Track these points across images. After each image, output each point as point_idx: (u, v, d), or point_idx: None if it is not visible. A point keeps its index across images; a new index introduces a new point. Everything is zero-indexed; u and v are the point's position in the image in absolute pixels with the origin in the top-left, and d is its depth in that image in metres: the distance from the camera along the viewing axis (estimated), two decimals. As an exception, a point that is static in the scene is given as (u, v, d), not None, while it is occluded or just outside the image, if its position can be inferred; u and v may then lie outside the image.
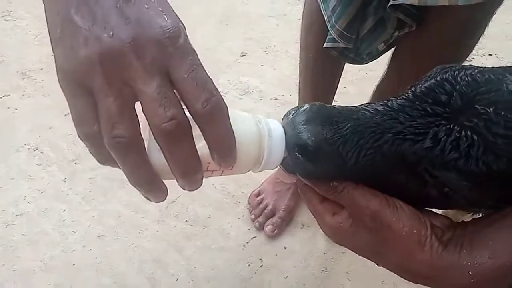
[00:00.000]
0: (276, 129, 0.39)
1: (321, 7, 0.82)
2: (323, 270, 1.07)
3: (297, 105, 1.18)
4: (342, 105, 0.40)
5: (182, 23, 0.34)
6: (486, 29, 0.77)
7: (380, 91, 1.01)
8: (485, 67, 0.40)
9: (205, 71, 0.33)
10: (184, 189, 0.37)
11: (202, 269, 1.09)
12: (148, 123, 0.32)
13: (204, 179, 0.38)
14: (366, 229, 0.38)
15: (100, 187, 1.29)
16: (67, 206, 1.26)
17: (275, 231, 1.13)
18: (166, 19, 0.32)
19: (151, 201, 0.37)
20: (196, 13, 2.01)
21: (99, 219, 1.22)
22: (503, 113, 0.35)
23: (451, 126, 0.36)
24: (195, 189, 0.37)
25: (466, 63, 1.70)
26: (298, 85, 1.12)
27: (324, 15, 0.82)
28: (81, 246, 1.16)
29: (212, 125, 0.33)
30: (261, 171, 0.41)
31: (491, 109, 0.35)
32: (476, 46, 1.92)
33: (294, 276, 1.06)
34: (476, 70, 0.39)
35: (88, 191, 1.29)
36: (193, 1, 2.08)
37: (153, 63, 0.31)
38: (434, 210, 0.43)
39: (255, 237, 1.16)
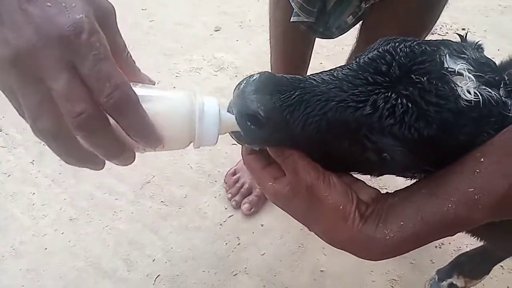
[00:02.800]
0: (210, 105, 0.40)
1: None
2: (299, 246, 1.08)
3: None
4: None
5: (88, 17, 0.34)
6: (448, 7, 0.79)
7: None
8: (423, 40, 0.42)
9: (112, 63, 0.34)
10: (117, 165, 0.39)
11: (179, 249, 1.08)
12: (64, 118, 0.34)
13: (153, 151, 0.40)
14: (301, 198, 0.42)
15: (71, 169, 1.25)
16: (36, 189, 1.21)
17: (252, 209, 1.13)
18: (68, 15, 0.33)
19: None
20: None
21: (71, 201, 1.19)
22: (435, 82, 0.38)
23: (389, 94, 0.38)
24: (129, 164, 0.40)
25: (439, 38, 1.71)
26: (270, 61, 1.10)
27: None
28: (52, 229, 1.13)
29: (120, 115, 0.35)
30: (199, 147, 0.42)
31: (425, 78, 0.38)
32: (450, 21, 1.92)
33: (271, 253, 1.07)
34: (414, 42, 0.41)
35: (57, 173, 1.25)
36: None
37: (58, 60, 0.32)
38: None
39: (232, 215, 1.15)
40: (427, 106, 0.38)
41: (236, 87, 0.41)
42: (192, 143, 0.42)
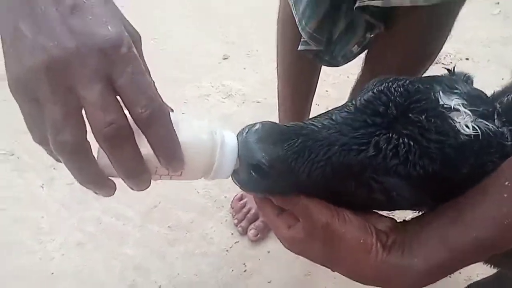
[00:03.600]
0: (230, 140, 0.41)
1: (292, 11, 0.84)
2: (306, 274, 1.07)
3: (277, 108, 1.19)
4: (311, 116, 0.42)
5: (127, 33, 0.35)
6: (452, 30, 0.81)
7: (356, 93, 1.03)
8: (415, 78, 0.43)
9: (148, 77, 0.35)
10: (132, 189, 0.39)
11: (185, 275, 1.08)
12: (91, 128, 0.33)
13: (160, 181, 0.40)
14: (319, 240, 0.41)
15: (79, 193, 1.26)
16: (45, 213, 1.22)
17: (258, 235, 1.13)
18: (109, 29, 0.33)
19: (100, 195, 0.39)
20: (174, 16, 2.00)
21: (78, 226, 1.19)
22: (433, 120, 0.39)
23: (390, 134, 0.39)
24: (143, 190, 0.39)
25: (443, 67, 1.73)
26: (277, 88, 1.13)
27: (296, 18, 0.83)
28: (60, 254, 1.13)
29: (152, 128, 0.34)
30: (213, 179, 0.42)
31: (423, 116, 0.39)
32: (454, 51, 1.96)
33: (278, 281, 1.06)
34: (407, 81, 0.42)
35: (67, 197, 1.26)
36: (167, 5, 2.06)
37: (95, 70, 0.32)
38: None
39: (238, 241, 1.15)
40: (429, 143, 0.38)
41: (238, 134, 0.42)
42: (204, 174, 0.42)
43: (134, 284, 1.07)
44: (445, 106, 0.40)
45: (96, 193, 0.39)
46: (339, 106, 0.44)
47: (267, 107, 1.55)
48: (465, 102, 0.41)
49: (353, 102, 0.42)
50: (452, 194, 0.41)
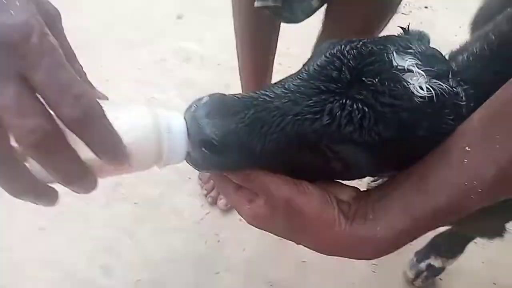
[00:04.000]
0: (176, 122, 0.38)
1: None
2: (280, 238, 1.08)
3: (238, 71, 1.13)
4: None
5: (36, 18, 0.29)
6: None
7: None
8: (369, 39, 0.41)
9: (69, 71, 0.29)
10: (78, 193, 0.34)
11: (157, 252, 1.06)
12: (13, 137, 0.28)
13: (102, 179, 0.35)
14: (280, 215, 0.40)
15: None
16: (0, 199, 1.14)
17: (229, 204, 1.12)
18: (12, 14, 0.27)
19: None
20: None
21: (38, 210, 1.13)
22: (386, 82, 0.37)
23: (344, 100, 0.37)
24: (91, 192, 0.34)
25: (405, 16, 1.70)
26: (236, 49, 1.07)
27: None
28: (20, 241, 1.07)
29: (86, 130, 0.30)
30: (166, 166, 0.39)
31: (376, 79, 0.37)
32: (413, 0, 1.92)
33: (252, 248, 1.07)
34: (360, 43, 0.40)
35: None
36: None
37: (4, 69, 0.27)
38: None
39: (209, 212, 1.14)
40: (383, 108, 0.37)
41: (186, 110, 0.39)
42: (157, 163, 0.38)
43: (106, 265, 1.04)
44: (398, 67, 0.39)
45: (35, 203, 0.34)
46: (294, 73, 0.41)
47: (228, 69, 1.48)
48: (419, 62, 0.39)
49: (306, 68, 0.40)
50: (411, 158, 0.40)
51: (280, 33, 1.02)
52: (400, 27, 0.50)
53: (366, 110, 0.37)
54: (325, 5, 0.87)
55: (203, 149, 0.37)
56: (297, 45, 1.55)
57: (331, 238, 0.40)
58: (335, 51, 0.40)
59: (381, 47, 0.40)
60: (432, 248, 0.99)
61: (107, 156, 0.32)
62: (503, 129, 0.35)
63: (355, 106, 0.37)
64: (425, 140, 0.39)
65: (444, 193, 0.36)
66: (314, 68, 0.39)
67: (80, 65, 0.38)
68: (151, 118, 0.36)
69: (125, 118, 0.35)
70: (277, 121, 0.37)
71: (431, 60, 0.41)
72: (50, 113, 0.29)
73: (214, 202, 1.14)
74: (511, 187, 0.36)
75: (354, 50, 0.39)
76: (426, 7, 1.82)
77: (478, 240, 1.03)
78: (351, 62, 0.39)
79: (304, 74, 0.39)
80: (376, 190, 0.42)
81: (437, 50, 0.44)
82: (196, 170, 0.42)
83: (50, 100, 0.28)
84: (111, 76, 1.45)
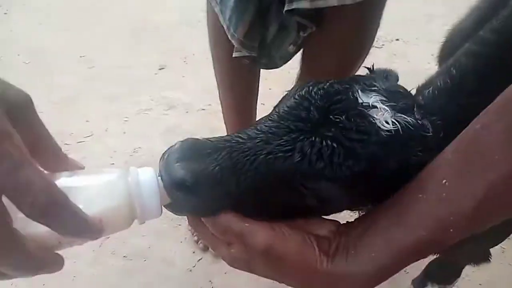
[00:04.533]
0: (147, 178, 0.38)
1: (219, 18, 0.81)
2: (274, 282, 1.04)
3: (222, 116, 1.15)
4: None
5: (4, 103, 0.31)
6: (380, 21, 0.84)
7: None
8: (335, 79, 0.43)
9: (28, 168, 0.31)
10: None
11: (149, 305, 1.01)
12: None
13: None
14: (260, 260, 0.39)
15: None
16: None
17: (221, 249, 1.09)
18: None
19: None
20: (104, 29, 1.88)
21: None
22: (353, 119, 0.39)
23: (313, 138, 0.39)
24: (57, 271, 0.36)
25: (379, 50, 1.77)
26: (219, 96, 1.09)
27: (224, 25, 0.81)
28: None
29: (51, 222, 0.32)
30: (144, 222, 0.40)
31: (343, 117, 0.39)
32: (385, 32, 2.03)
33: (247, 292, 1.03)
34: (327, 84, 0.42)
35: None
36: (99, 17, 1.95)
37: None
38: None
39: (201, 259, 1.10)
40: (352, 143, 0.38)
41: (160, 159, 0.40)
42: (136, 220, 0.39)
43: (95, 326, 0.99)
44: (364, 104, 0.40)
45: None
46: (266, 116, 0.43)
47: (212, 114, 1.50)
48: (384, 98, 0.41)
49: (277, 110, 0.41)
50: (384, 190, 0.41)
51: (262, 73, 1.05)
52: (365, 67, 0.52)
53: (335, 146, 0.38)
54: (302, 49, 0.91)
55: (178, 192, 0.37)
56: (278, 85, 1.59)
57: (314, 277, 0.39)
58: (303, 93, 0.41)
59: (347, 86, 0.42)
60: (427, 276, 0.97)
61: (79, 237, 0.34)
62: (477, 162, 0.35)
63: (324, 143, 0.38)
64: (396, 172, 0.40)
65: (424, 227, 0.37)
66: (284, 110, 0.41)
67: (54, 141, 0.38)
68: (121, 181, 0.37)
69: (95, 188, 0.37)
70: (250, 160, 0.38)
71: (395, 96, 0.42)
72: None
73: (206, 248, 1.11)
74: (489, 218, 0.37)
75: (321, 91, 0.41)
76: (397, 39, 1.91)
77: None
78: (318, 101, 0.40)
79: (274, 115, 0.41)
80: (356, 224, 0.42)
81: (402, 87, 0.46)
82: (175, 215, 0.42)
83: (12, 200, 0.30)
84: (96, 130, 1.46)
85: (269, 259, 0.39)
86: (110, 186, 0.37)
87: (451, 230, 0.36)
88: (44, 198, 0.30)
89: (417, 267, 1.03)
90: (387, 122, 0.39)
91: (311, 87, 0.42)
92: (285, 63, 0.91)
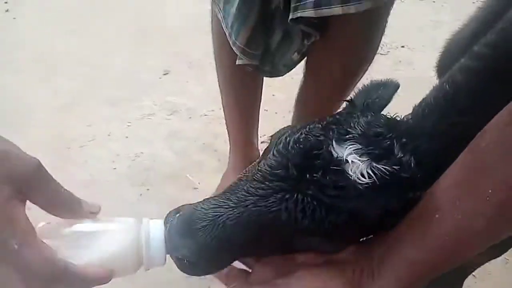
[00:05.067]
0: (156, 231, 0.44)
1: (222, 24, 0.82)
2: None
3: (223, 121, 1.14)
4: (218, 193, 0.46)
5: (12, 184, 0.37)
6: (385, 28, 0.84)
7: (301, 99, 1.05)
8: (311, 126, 0.45)
9: (28, 249, 0.36)
10: None
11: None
12: None
13: None
14: None
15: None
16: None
17: None
18: None
19: None
20: (109, 33, 1.89)
21: None
22: (329, 176, 0.40)
23: (296, 196, 0.41)
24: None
25: (384, 56, 1.76)
26: (221, 102, 1.08)
27: (226, 32, 0.81)
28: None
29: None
30: (149, 269, 0.45)
31: (319, 174, 0.40)
32: (389, 40, 2.01)
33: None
34: (303, 135, 0.44)
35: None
36: (105, 21, 1.96)
37: None
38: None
39: None
40: (331, 199, 0.40)
41: (164, 221, 0.45)
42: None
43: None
44: (338, 158, 0.41)
45: None
46: (251, 170, 0.46)
47: (215, 120, 1.50)
48: (359, 147, 0.42)
49: (259, 169, 0.44)
50: (374, 231, 0.44)
51: (265, 80, 1.05)
52: (346, 100, 0.53)
53: (315, 203, 0.40)
54: (306, 57, 0.91)
55: (182, 264, 0.43)
56: (282, 91, 1.58)
57: None
58: (280, 148, 0.44)
59: (322, 138, 0.43)
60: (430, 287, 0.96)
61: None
62: (485, 182, 0.37)
63: (305, 201, 0.41)
64: (382, 214, 0.42)
65: (443, 248, 0.39)
66: (266, 169, 0.44)
67: (67, 192, 0.42)
68: (132, 233, 0.43)
69: (109, 235, 0.43)
70: (243, 225, 0.42)
71: (372, 139, 0.43)
72: None
73: None
74: (501, 234, 0.39)
75: (296, 145, 0.43)
76: (403, 46, 1.90)
77: (477, 273, 1.00)
78: (295, 159, 0.42)
79: (258, 176, 0.44)
80: (376, 245, 0.43)
81: (383, 116, 0.47)
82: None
83: (20, 279, 0.36)
84: (99, 134, 1.46)
85: None
86: (123, 236, 0.43)
87: (467, 247, 0.39)
88: (45, 271, 0.36)
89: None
90: (363, 176, 0.40)
91: (288, 139, 0.44)
92: (289, 71, 0.91)
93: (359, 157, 0.41)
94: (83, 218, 0.43)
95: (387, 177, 0.41)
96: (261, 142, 1.33)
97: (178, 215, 0.44)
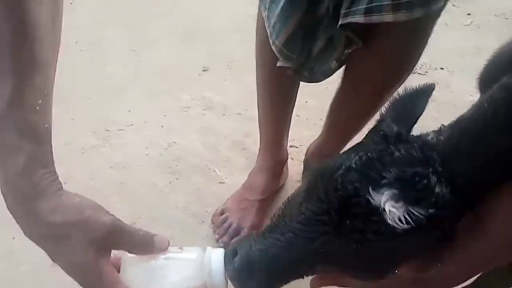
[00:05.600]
0: (218, 263, 0.52)
1: (265, 23, 0.83)
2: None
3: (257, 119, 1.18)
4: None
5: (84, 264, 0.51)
6: (428, 42, 0.83)
7: (336, 107, 1.06)
8: (345, 169, 0.47)
9: None
10: None
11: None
12: None
13: None
14: None
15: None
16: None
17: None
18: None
19: None
20: (157, 28, 1.98)
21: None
22: (368, 224, 0.44)
23: (340, 239, 0.46)
24: None
25: (422, 76, 1.75)
26: (257, 101, 1.12)
27: (268, 31, 0.82)
28: (32, 277, 1.09)
29: None
30: None
31: (359, 220, 0.45)
32: (429, 61, 2.00)
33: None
34: (339, 181, 0.46)
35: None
36: (155, 16, 2.05)
37: None
38: None
39: (219, 257, 1.13)
40: (371, 240, 0.44)
41: (224, 259, 0.53)
42: None
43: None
44: (376, 205, 0.43)
45: None
46: (293, 211, 0.51)
47: (248, 119, 1.54)
48: (395, 191, 0.43)
49: (302, 210, 0.48)
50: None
51: (300, 85, 1.07)
52: (380, 131, 0.51)
53: (356, 247, 0.45)
54: (344, 65, 0.92)
55: None
56: (315, 98, 1.61)
57: None
58: (321, 194, 0.47)
59: (358, 184, 0.45)
60: None
61: None
62: None
63: (348, 242, 0.46)
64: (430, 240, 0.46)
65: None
66: (309, 212, 0.48)
67: (142, 231, 0.54)
68: (197, 262, 0.53)
69: (177, 266, 0.54)
70: (293, 270, 0.50)
71: (408, 181, 0.43)
72: None
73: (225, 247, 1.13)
74: None
75: (336, 193, 0.46)
76: (442, 68, 1.88)
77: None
78: (335, 205, 0.46)
79: (301, 218, 0.48)
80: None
81: (416, 147, 0.46)
82: None
83: None
84: (137, 120, 1.54)
85: None
86: (189, 266, 0.53)
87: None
88: None
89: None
90: (400, 221, 0.42)
91: (326, 182, 0.47)
92: (325, 78, 0.92)
93: (395, 203, 0.42)
94: (155, 253, 0.53)
95: (423, 219, 0.42)
96: (290, 146, 1.36)
97: (237, 258, 0.50)
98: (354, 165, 0.46)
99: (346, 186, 0.45)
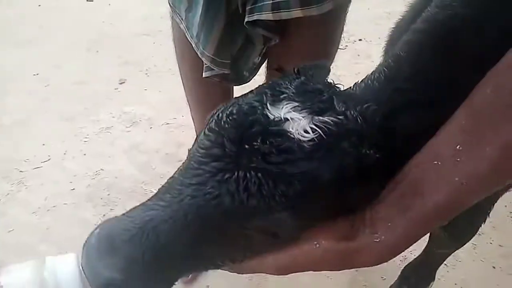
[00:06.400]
0: (67, 270, 0.37)
1: (186, 35, 0.78)
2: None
3: (189, 126, 1.09)
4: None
5: None
6: (344, 26, 0.83)
7: None
8: (243, 96, 0.39)
9: None
10: None
11: None
12: None
13: None
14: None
15: None
16: None
17: (190, 276, 1.04)
18: None
19: None
20: (60, 44, 1.79)
21: None
22: (269, 141, 0.34)
23: (237, 174, 0.34)
24: None
25: (342, 51, 1.75)
26: (190, 112, 1.05)
27: (192, 43, 0.77)
28: None
29: None
30: None
31: (259, 141, 0.34)
32: (347, 34, 2.02)
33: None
34: (236, 108, 0.37)
35: None
36: (53, 32, 1.85)
37: None
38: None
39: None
40: (277, 167, 0.34)
41: (83, 246, 0.36)
42: None
43: None
44: (276, 119, 0.36)
45: None
46: (185, 163, 0.39)
47: (178, 128, 1.45)
48: (296, 104, 0.37)
49: (193, 154, 0.37)
50: (345, 196, 0.38)
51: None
52: (275, 68, 0.48)
53: (260, 176, 0.34)
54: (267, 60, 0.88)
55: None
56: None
57: (335, 261, 0.40)
58: (213, 125, 0.37)
59: (256, 103, 0.37)
60: (403, 281, 0.99)
61: None
62: (491, 126, 0.36)
63: (248, 176, 0.34)
64: (338, 177, 0.35)
65: (442, 192, 0.38)
66: (200, 152, 0.37)
67: None
68: (35, 276, 0.36)
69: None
70: (180, 227, 0.35)
71: (308, 95, 0.38)
72: None
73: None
74: (503, 179, 0.38)
75: (230, 118, 0.37)
76: (360, 40, 1.91)
77: (448, 261, 1.02)
78: (230, 134, 0.36)
79: (192, 162, 0.37)
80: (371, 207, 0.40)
81: (315, 81, 0.41)
82: None
83: None
84: (53, 153, 1.38)
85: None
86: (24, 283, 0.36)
87: (468, 192, 0.37)
88: None
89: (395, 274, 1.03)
90: (306, 131, 0.35)
91: (220, 115, 0.37)
92: (253, 76, 0.89)
93: (298, 114, 0.36)
94: None
95: (333, 130, 0.36)
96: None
97: (95, 235, 0.35)
98: (251, 93, 0.39)
99: (241, 108, 0.37)
